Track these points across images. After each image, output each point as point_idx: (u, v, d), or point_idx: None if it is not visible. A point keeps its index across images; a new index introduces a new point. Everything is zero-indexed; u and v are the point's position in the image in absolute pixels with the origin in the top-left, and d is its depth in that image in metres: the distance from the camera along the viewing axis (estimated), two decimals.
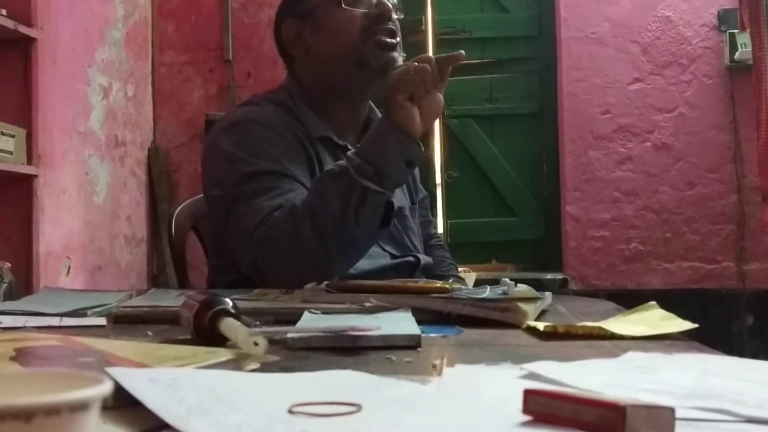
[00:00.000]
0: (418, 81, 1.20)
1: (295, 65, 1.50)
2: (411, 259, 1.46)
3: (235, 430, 0.44)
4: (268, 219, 1.24)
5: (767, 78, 2.75)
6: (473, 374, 0.62)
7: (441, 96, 1.25)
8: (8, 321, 0.96)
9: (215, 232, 1.47)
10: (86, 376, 0.39)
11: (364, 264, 1.36)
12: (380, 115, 1.54)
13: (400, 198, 1.52)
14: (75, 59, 2.79)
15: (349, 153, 1.24)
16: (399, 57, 1.41)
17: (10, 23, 2.29)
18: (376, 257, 1.40)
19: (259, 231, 1.24)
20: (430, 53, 3.31)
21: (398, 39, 1.42)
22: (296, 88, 1.48)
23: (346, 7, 1.40)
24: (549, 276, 3.11)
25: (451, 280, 1.24)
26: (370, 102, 1.53)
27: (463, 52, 1.26)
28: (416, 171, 1.66)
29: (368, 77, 1.41)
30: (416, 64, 1.22)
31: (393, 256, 1.44)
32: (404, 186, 1.57)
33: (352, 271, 1.34)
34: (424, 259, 1.51)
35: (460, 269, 2.85)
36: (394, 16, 1.42)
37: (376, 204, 1.20)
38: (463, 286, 1.13)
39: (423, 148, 1.26)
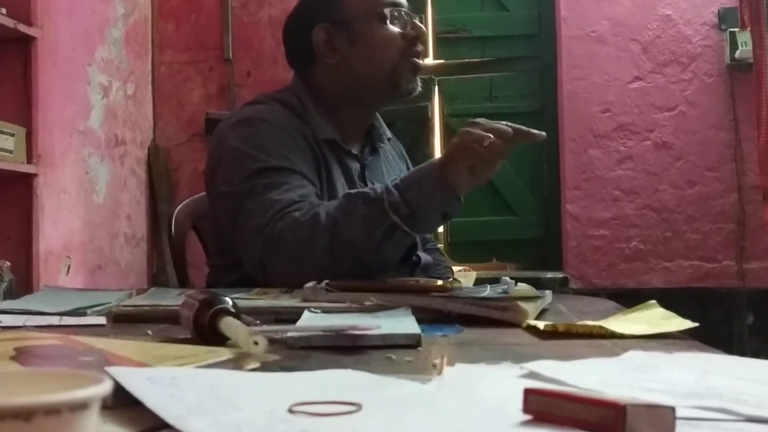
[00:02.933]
0: (487, 158, 1.16)
1: (315, 69, 1.48)
2: (413, 258, 1.46)
3: (235, 429, 0.44)
4: (283, 215, 1.23)
5: (767, 77, 2.74)
6: (473, 373, 0.62)
7: (492, 174, 1.21)
8: (8, 320, 0.96)
9: (218, 231, 1.47)
10: (86, 375, 0.39)
11: None
12: (382, 123, 1.56)
13: None
14: (75, 58, 2.79)
15: (389, 184, 1.21)
16: (420, 82, 1.45)
17: (9, 22, 2.29)
18: None
19: (272, 227, 1.23)
20: (431, 52, 3.35)
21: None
22: (305, 90, 1.48)
23: (389, 26, 1.41)
24: (549, 275, 3.11)
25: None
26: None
27: (544, 134, 1.23)
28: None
29: (395, 97, 1.45)
30: (492, 137, 1.15)
31: None
32: None
33: None
34: (425, 257, 1.52)
35: (460, 268, 2.87)
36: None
37: (401, 242, 1.20)
38: (463, 286, 1.13)
39: (461, 207, 1.24)
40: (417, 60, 1.43)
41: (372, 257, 1.19)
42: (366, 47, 1.43)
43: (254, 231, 1.26)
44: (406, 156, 1.73)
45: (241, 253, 1.32)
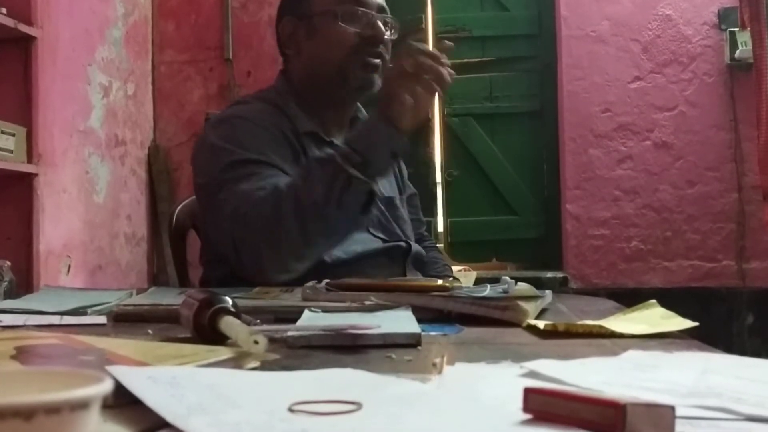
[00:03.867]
0: (415, 80, 1.22)
1: (287, 62, 1.55)
2: (402, 244, 1.50)
3: (235, 428, 0.44)
4: (249, 199, 1.28)
5: (767, 76, 2.74)
6: (473, 373, 0.62)
7: (433, 102, 1.28)
8: (8, 319, 0.96)
9: (205, 226, 1.53)
10: (86, 374, 0.39)
11: (357, 247, 1.41)
12: (366, 114, 1.58)
13: (389, 188, 1.58)
14: (75, 58, 2.79)
15: (336, 143, 1.28)
16: (379, 79, 1.46)
17: (10, 22, 2.29)
18: (368, 242, 1.45)
19: (240, 210, 1.28)
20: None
21: (386, 60, 1.47)
22: (285, 85, 1.53)
23: (343, 24, 1.44)
24: (549, 274, 3.11)
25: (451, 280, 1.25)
26: (358, 103, 1.58)
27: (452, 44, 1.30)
28: (404, 166, 1.70)
29: (347, 92, 1.48)
30: (430, 61, 1.22)
31: (384, 242, 1.48)
32: (392, 177, 1.63)
33: (343, 255, 1.39)
34: (415, 246, 1.54)
35: (460, 268, 2.87)
36: (387, 37, 1.47)
37: (359, 191, 1.23)
38: (463, 286, 1.13)
39: (408, 143, 1.31)
40: (370, 59, 1.44)
41: (335, 212, 1.23)
42: (319, 42, 1.47)
43: (225, 218, 1.31)
44: None
45: (218, 243, 1.38)
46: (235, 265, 1.32)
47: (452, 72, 1.26)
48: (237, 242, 1.28)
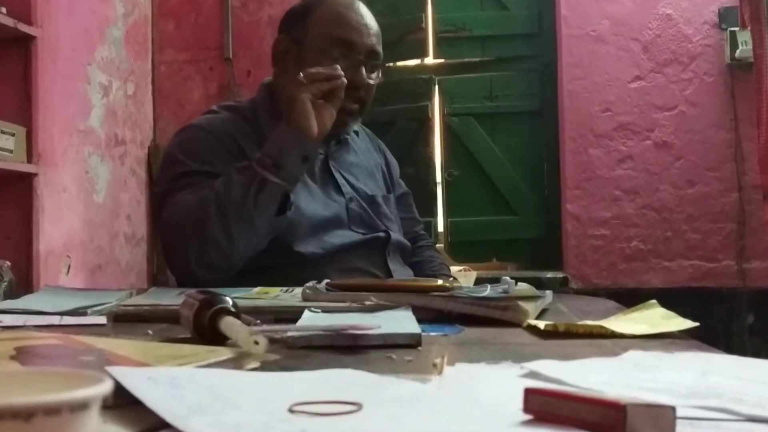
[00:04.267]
0: (325, 88, 1.33)
1: (275, 75, 1.57)
2: (381, 234, 1.52)
3: (235, 428, 0.44)
4: (178, 206, 1.37)
5: (767, 76, 2.74)
6: (474, 373, 0.62)
7: (334, 112, 1.36)
8: (8, 320, 0.96)
9: None
10: (86, 375, 0.39)
11: (335, 240, 1.45)
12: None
13: (373, 187, 1.61)
14: (75, 57, 2.79)
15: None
16: (352, 123, 1.53)
17: (9, 21, 2.29)
18: (348, 237, 1.48)
19: (170, 217, 1.38)
20: (431, 51, 3.35)
21: (365, 103, 1.51)
22: (266, 97, 1.55)
23: (326, 61, 1.44)
24: (549, 274, 3.11)
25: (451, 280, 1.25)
26: None
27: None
28: (394, 166, 1.72)
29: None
30: (326, 71, 1.35)
31: (365, 235, 1.51)
32: (379, 176, 1.66)
33: (320, 250, 1.42)
34: (395, 236, 1.55)
35: (460, 268, 2.87)
36: (372, 82, 1.50)
37: (274, 192, 1.32)
38: (463, 286, 1.13)
39: (318, 148, 1.41)
40: (346, 102, 1.42)
41: (253, 211, 1.31)
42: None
43: (162, 224, 1.41)
44: (385, 149, 1.75)
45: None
46: (170, 270, 1.44)
47: (343, 81, 1.35)
48: (167, 247, 1.40)
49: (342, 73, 1.35)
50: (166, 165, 1.48)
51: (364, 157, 1.65)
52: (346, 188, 1.53)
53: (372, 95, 1.52)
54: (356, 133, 1.65)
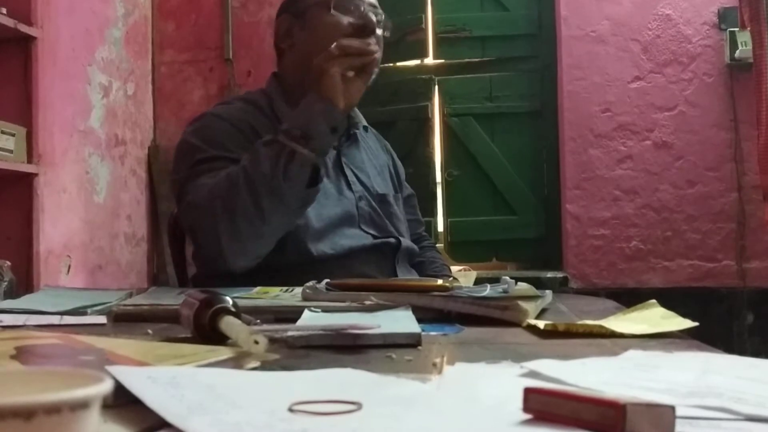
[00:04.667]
0: (356, 64, 1.32)
1: (281, 60, 1.58)
2: (392, 240, 1.51)
3: (235, 428, 0.44)
4: (203, 189, 1.34)
5: (767, 76, 2.74)
6: (473, 372, 0.62)
7: (363, 87, 1.35)
8: (9, 319, 0.96)
9: None
10: (86, 374, 0.39)
11: (345, 241, 1.43)
12: (357, 112, 1.60)
13: (383, 186, 1.60)
14: (75, 58, 2.79)
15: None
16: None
17: (10, 22, 2.29)
18: (358, 238, 1.46)
19: (196, 200, 1.34)
20: (431, 52, 3.35)
21: (376, 55, 1.48)
22: (275, 85, 1.55)
23: (334, 12, 1.45)
24: (549, 274, 3.11)
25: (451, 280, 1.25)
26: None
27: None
28: (400, 167, 1.72)
29: None
30: (356, 43, 1.33)
31: (375, 238, 1.49)
32: (387, 175, 1.66)
33: (330, 250, 1.41)
34: (405, 242, 1.55)
35: (460, 268, 2.87)
36: (379, 32, 1.47)
37: (303, 163, 1.28)
38: (463, 285, 1.13)
39: (345, 119, 1.38)
40: None
41: (282, 183, 1.27)
42: (311, 33, 1.49)
43: (187, 206, 1.37)
44: (391, 150, 1.75)
45: (185, 231, 1.45)
46: (197, 255, 1.40)
47: (376, 49, 1.34)
48: (196, 231, 1.36)
49: (376, 48, 1.33)
50: (183, 153, 1.45)
51: (374, 156, 1.65)
52: (356, 185, 1.53)
53: (382, 48, 1.49)
54: (365, 128, 1.65)
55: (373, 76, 1.41)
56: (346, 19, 1.45)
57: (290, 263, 1.36)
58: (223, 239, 1.29)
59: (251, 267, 1.34)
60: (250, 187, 1.27)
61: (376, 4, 1.51)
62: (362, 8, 1.46)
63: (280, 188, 1.27)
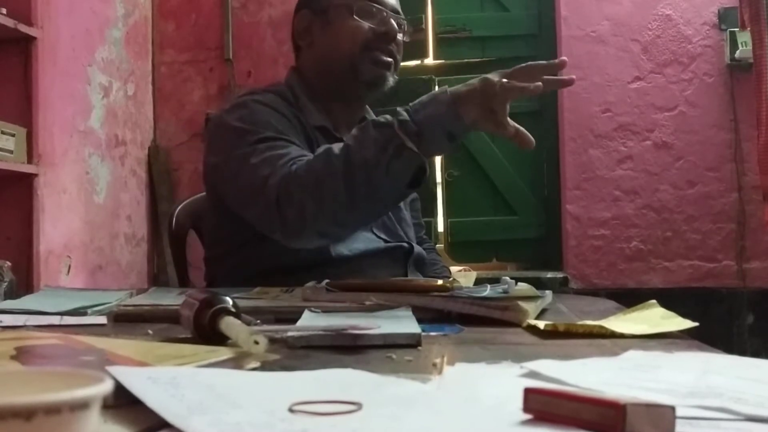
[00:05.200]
0: (516, 91, 1.18)
1: (300, 55, 1.56)
2: (405, 245, 1.51)
3: (235, 428, 0.44)
4: (295, 161, 1.26)
5: (767, 77, 2.74)
6: (473, 373, 0.62)
7: (492, 126, 1.22)
8: (9, 320, 0.96)
9: (213, 221, 1.52)
10: (87, 374, 0.39)
11: (359, 244, 1.42)
12: (373, 115, 1.59)
13: None
14: (75, 58, 2.79)
15: (399, 108, 1.22)
16: (390, 77, 1.48)
17: (10, 22, 2.29)
18: (371, 242, 1.46)
19: (286, 168, 1.25)
20: (431, 52, 3.35)
21: (397, 60, 1.49)
22: (297, 80, 1.54)
23: (358, 18, 1.46)
24: (549, 275, 3.11)
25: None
26: (367, 106, 1.60)
27: (573, 78, 1.31)
28: None
29: (357, 86, 1.48)
30: (506, 81, 1.17)
31: (387, 242, 1.49)
32: None
33: (346, 252, 1.39)
34: (417, 248, 1.55)
35: (460, 268, 2.87)
36: (400, 38, 1.48)
37: (409, 162, 1.19)
38: (463, 286, 1.13)
39: (467, 130, 1.24)
40: (382, 55, 1.46)
41: (382, 177, 1.19)
42: (332, 35, 1.48)
43: (264, 179, 1.27)
44: None
45: (244, 208, 1.34)
46: (267, 227, 1.29)
47: (539, 85, 1.19)
48: (282, 197, 1.24)
49: (540, 84, 1.19)
50: (234, 137, 1.36)
51: None
52: None
53: (402, 53, 1.51)
54: None
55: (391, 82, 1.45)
56: (367, 25, 1.45)
57: (307, 262, 1.33)
58: (307, 214, 1.21)
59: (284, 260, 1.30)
60: (348, 168, 1.19)
61: (399, 9, 1.51)
62: (384, 13, 1.46)
63: (380, 181, 1.19)
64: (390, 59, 1.47)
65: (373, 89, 1.49)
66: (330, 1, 1.49)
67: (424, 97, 1.22)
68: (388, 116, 1.22)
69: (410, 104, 1.22)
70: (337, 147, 1.23)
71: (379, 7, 1.47)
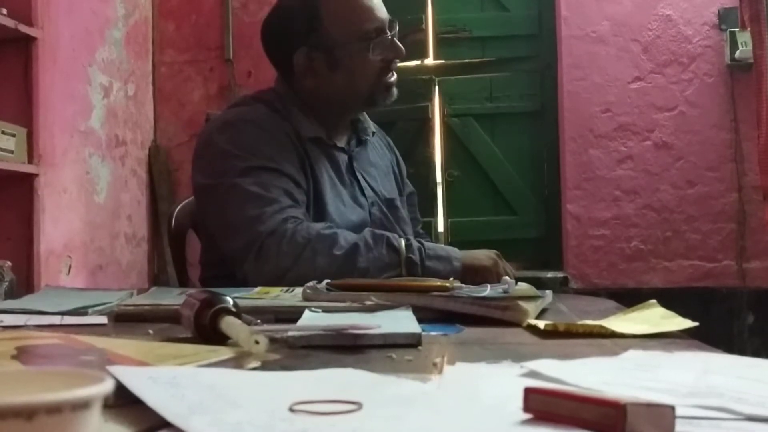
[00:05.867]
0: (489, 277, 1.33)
1: (293, 81, 1.51)
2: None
3: (235, 428, 0.44)
4: (295, 220, 1.31)
5: (767, 77, 2.74)
6: (474, 372, 0.62)
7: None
8: (9, 320, 0.96)
9: (208, 228, 1.52)
10: (87, 374, 0.39)
11: None
12: (366, 117, 1.63)
13: (390, 190, 1.60)
14: (75, 58, 2.79)
15: (415, 242, 1.34)
16: (395, 90, 1.52)
17: (10, 22, 2.29)
18: None
19: (282, 225, 1.30)
20: (431, 52, 3.35)
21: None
22: (288, 91, 1.52)
23: (370, 54, 1.45)
24: (549, 274, 3.11)
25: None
26: None
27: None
28: (402, 164, 1.73)
29: (368, 107, 1.56)
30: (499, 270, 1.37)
31: None
32: (393, 177, 1.66)
33: None
34: None
35: None
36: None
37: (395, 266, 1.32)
38: (463, 286, 1.13)
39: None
40: (391, 77, 1.49)
41: (368, 275, 1.28)
42: (346, 74, 1.48)
43: (250, 221, 1.31)
44: (394, 147, 1.76)
45: (222, 239, 1.38)
46: (237, 266, 1.33)
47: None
48: (265, 251, 1.29)
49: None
50: (221, 160, 1.39)
51: (380, 157, 1.66)
52: (368, 191, 1.53)
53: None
54: (373, 133, 1.66)
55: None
56: (380, 57, 1.46)
57: None
58: (286, 276, 1.26)
59: None
60: (344, 266, 1.27)
61: (387, 13, 1.50)
62: (388, 39, 1.47)
63: (362, 275, 1.27)
64: (395, 77, 1.50)
65: (381, 103, 1.51)
66: (335, 41, 1.45)
67: (441, 251, 1.36)
68: (402, 240, 1.33)
69: (426, 246, 1.34)
70: (343, 237, 1.30)
71: (387, 34, 1.47)
